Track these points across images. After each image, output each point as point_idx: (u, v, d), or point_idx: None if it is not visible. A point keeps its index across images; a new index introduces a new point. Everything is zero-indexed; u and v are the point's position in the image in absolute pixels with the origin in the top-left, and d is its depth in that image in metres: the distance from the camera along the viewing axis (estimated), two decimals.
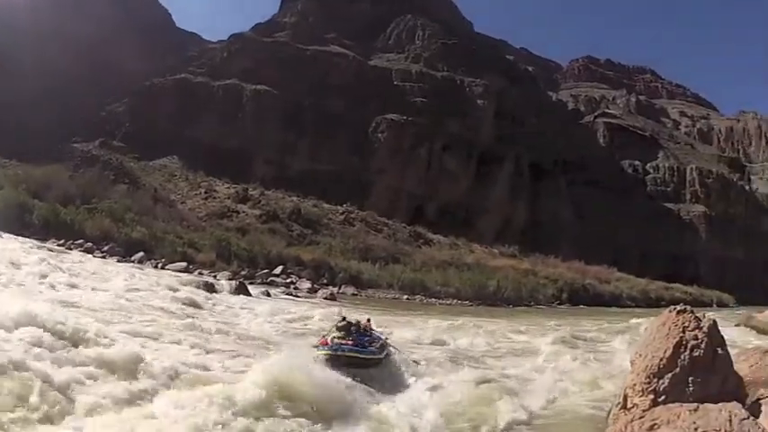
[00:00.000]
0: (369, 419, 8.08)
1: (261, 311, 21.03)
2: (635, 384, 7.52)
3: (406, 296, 40.11)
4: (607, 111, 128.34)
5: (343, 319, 11.99)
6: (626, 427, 5.90)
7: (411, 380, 10.80)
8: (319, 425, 7.48)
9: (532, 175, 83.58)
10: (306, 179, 64.07)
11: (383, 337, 12.28)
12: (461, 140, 76.09)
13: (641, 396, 7.31)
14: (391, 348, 11.82)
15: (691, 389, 7.15)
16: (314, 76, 73.56)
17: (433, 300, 40.82)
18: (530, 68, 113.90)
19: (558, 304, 50.09)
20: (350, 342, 10.68)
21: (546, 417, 10.16)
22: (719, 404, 5.71)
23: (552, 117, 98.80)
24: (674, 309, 8.11)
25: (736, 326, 31.49)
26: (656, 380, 7.30)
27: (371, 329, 12.12)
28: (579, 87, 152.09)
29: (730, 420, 5.28)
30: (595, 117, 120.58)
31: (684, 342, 7.49)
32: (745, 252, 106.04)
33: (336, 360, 9.79)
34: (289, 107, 69.80)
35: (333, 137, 69.63)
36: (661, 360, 7.41)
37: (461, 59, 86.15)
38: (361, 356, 10.38)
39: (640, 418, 6.04)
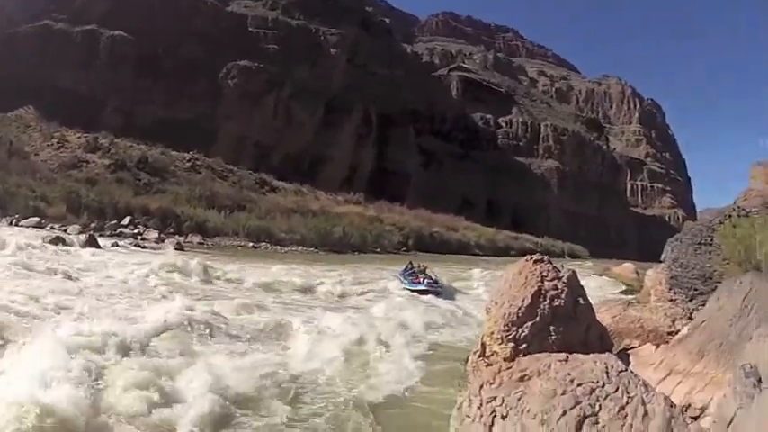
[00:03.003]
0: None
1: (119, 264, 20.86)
2: (492, 332, 7.51)
3: (251, 244, 40.21)
4: (462, 65, 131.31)
5: (410, 263, 21.84)
6: (494, 378, 5.80)
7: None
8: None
9: (381, 124, 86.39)
10: (156, 126, 63.42)
11: (434, 277, 20.62)
12: (310, 89, 77.27)
13: (500, 344, 7.30)
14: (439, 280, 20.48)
15: (553, 337, 7.19)
16: (172, 22, 72.46)
17: (279, 247, 41.07)
18: (387, 20, 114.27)
19: (405, 251, 51.02)
20: (417, 280, 19.44)
21: None
22: (592, 355, 5.67)
23: (405, 68, 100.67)
24: (531, 258, 8.15)
25: (594, 275, 36.04)
26: (515, 328, 7.28)
27: (426, 271, 20.75)
28: (436, 41, 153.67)
29: (607, 372, 5.24)
30: (450, 70, 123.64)
31: (544, 291, 7.52)
32: (599, 208, 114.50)
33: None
34: (142, 53, 68.97)
35: (185, 83, 69.41)
36: (519, 309, 7.36)
37: (318, 8, 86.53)
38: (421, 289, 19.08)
39: (508, 368, 5.98)
